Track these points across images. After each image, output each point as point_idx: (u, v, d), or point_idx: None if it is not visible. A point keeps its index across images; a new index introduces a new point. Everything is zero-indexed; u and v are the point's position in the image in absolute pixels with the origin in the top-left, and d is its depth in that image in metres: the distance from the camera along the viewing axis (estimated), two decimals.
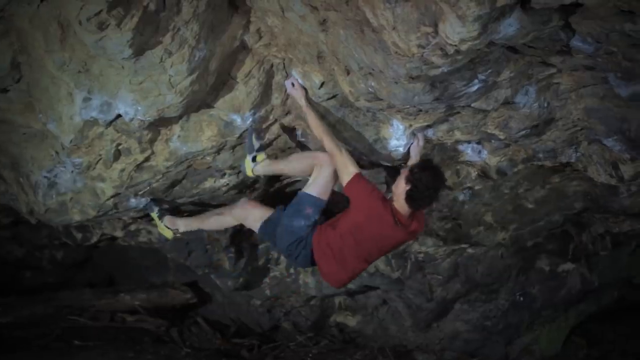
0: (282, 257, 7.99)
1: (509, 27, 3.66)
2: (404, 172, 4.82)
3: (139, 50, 4.32)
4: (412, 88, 4.35)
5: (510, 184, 6.65)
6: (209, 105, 5.14)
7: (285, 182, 6.40)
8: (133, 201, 5.87)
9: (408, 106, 4.77)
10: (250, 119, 5.22)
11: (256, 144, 5.32)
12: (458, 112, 5.15)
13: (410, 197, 4.73)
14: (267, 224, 5.37)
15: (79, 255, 8.99)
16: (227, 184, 5.88)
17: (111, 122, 4.97)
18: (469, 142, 5.76)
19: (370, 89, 4.63)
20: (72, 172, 5.53)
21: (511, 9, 3.52)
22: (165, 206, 6.09)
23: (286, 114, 5.49)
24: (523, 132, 5.25)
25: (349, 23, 4.10)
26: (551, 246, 8.21)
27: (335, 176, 5.08)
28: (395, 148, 5.45)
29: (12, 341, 7.29)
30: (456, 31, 3.53)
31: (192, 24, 4.34)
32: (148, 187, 5.71)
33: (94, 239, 7.67)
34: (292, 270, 8.16)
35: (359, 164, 5.16)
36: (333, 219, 5.13)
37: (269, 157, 5.44)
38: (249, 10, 4.75)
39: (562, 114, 5.15)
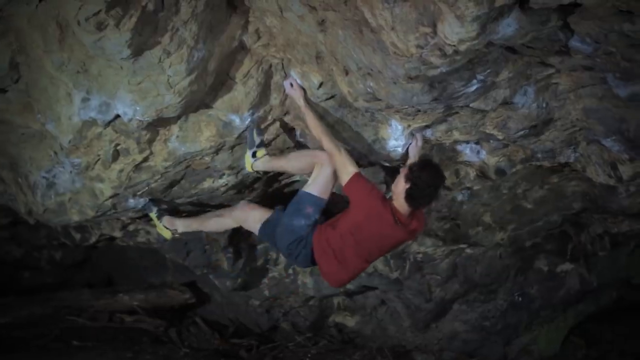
0: (280, 258, 7.99)
1: (508, 28, 3.66)
2: (404, 171, 4.81)
3: (138, 50, 4.32)
4: (411, 88, 4.35)
5: (509, 184, 6.65)
6: (208, 106, 5.13)
7: (283, 182, 6.40)
8: (132, 201, 5.87)
9: (406, 106, 4.77)
10: (249, 120, 5.21)
11: (257, 140, 5.30)
12: (457, 113, 5.15)
13: (410, 196, 4.73)
14: (266, 224, 5.38)
15: (77, 255, 8.99)
16: (226, 184, 5.88)
17: (110, 122, 4.97)
18: (467, 142, 5.76)
19: (368, 89, 4.63)
20: (70, 172, 5.53)
21: (510, 9, 3.52)
22: (164, 206, 6.09)
23: (285, 114, 5.49)
24: (522, 133, 5.25)
25: (347, 23, 4.10)
26: (550, 246, 8.22)
27: (336, 175, 5.08)
28: (393, 148, 5.45)
29: (11, 341, 7.30)
30: (455, 31, 3.53)
31: (191, 24, 4.34)
32: (147, 188, 5.71)
33: (93, 239, 7.67)
34: (290, 271, 8.16)
35: (358, 164, 5.15)
36: (333, 219, 5.12)
37: (269, 153, 5.43)
38: (247, 11, 4.75)
39: (560, 114, 5.15)
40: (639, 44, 3.69)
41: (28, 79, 4.95)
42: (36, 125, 5.27)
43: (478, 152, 5.94)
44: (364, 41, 4.09)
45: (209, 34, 4.53)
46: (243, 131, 5.28)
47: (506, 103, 4.93)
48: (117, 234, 7.40)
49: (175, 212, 6.28)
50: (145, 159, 5.40)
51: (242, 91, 5.06)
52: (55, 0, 4.32)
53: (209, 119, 5.19)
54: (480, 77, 4.43)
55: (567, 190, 6.80)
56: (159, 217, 5.99)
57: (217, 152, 5.45)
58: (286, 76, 5.16)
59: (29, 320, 7.86)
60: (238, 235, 7.33)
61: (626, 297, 9.70)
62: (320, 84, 5.01)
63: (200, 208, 6.41)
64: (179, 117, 5.11)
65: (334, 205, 5.47)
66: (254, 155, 5.35)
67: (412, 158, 5.38)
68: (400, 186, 4.78)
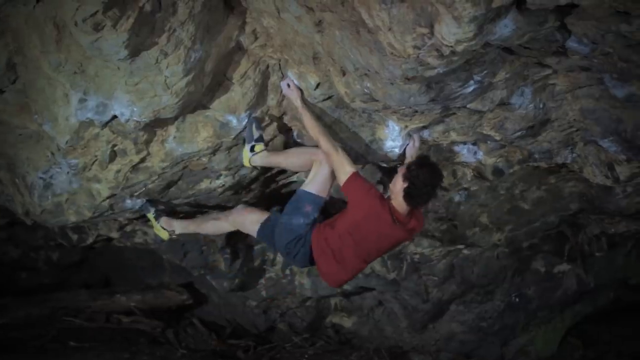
0: (277, 258, 8.00)
1: (505, 28, 3.66)
2: (401, 170, 4.80)
3: (135, 51, 4.32)
4: (408, 89, 4.35)
5: (506, 184, 6.66)
6: (205, 106, 5.13)
7: (281, 183, 6.40)
8: (129, 202, 5.87)
9: (404, 107, 4.77)
10: (246, 120, 5.21)
11: (256, 134, 5.27)
12: (454, 113, 5.15)
13: (408, 195, 4.72)
14: (265, 225, 5.36)
15: (74, 256, 8.97)
16: (223, 185, 5.87)
17: (107, 123, 4.96)
18: (464, 143, 5.77)
19: (366, 90, 4.63)
20: (67, 173, 5.53)
21: (507, 10, 3.52)
22: (161, 207, 6.08)
23: (282, 115, 5.49)
24: (519, 133, 5.25)
25: (344, 24, 4.09)
26: (547, 247, 8.23)
27: (334, 174, 5.07)
28: (391, 149, 5.45)
29: (8, 342, 7.29)
30: (452, 32, 3.53)
31: (188, 25, 4.34)
32: (144, 188, 5.70)
33: (90, 240, 7.66)
34: (287, 272, 8.16)
35: (355, 164, 5.15)
36: (331, 219, 5.11)
37: (267, 148, 5.41)
38: (244, 11, 4.75)
39: (557, 115, 5.15)
40: (636, 45, 3.69)
41: (25, 79, 4.94)
42: (33, 126, 5.26)
43: (475, 152, 5.94)
44: (361, 42, 4.09)
45: (206, 34, 4.53)
46: (240, 132, 5.28)
47: (503, 104, 4.93)
48: (115, 234, 7.40)
49: (173, 212, 6.28)
50: (143, 160, 5.40)
51: (239, 92, 5.06)
52: (53, 1, 4.32)
53: (206, 119, 5.19)
54: (477, 77, 4.43)
55: (565, 191, 6.81)
56: (157, 218, 5.98)
57: (214, 152, 5.45)
58: (283, 77, 5.16)
59: (26, 321, 7.86)
60: (235, 236, 7.32)
61: (623, 298, 9.70)
62: (318, 85, 5.01)
63: (197, 209, 6.41)
64: (176, 118, 5.11)
65: (332, 206, 5.47)
66: (252, 149, 5.32)
67: (410, 159, 5.37)
68: (398, 185, 4.77)
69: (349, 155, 5.02)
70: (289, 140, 5.69)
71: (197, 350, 8.20)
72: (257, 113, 5.26)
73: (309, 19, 4.32)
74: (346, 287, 7.83)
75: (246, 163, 5.46)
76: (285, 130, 5.62)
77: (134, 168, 5.45)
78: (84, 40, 4.24)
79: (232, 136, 5.30)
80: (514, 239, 7.53)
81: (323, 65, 4.80)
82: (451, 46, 3.65)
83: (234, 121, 5.19)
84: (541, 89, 4.88)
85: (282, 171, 6.09)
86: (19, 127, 5.38)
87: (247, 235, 6.19)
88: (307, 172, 5.35)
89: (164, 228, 5.99)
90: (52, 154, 5.41)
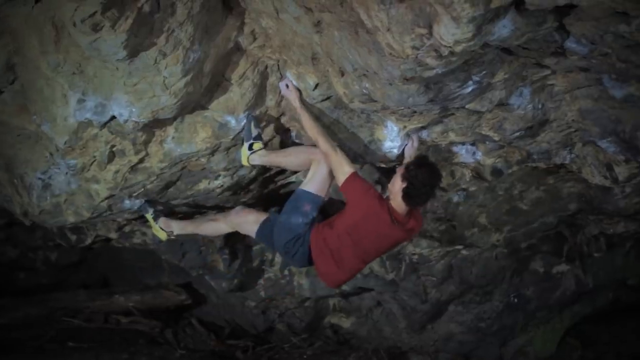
0: (276, 259, 7.99)
1: (504, 29, 3.66)
2: (400, 170, 4.80)
3: (134, 51, 4.32)
4: (407, 89, 4.35)
5: (505, 185, 6.66)
6: (204, 107, 5.13)
7: (279, 183, 6.40)
8: (127, 203, 5.86)
9: (402, 108, 4.77)
10: (245, 121, 5.21)
11: (254, 132, 5.26)
12: (452, 114, 5.15)
13: (407, 195, 4.72)
14: (263, 226, 5.36)
15: (73, 256, 8.97)
16: (222, 186, 5.87)
17: (105, 123, 4.95)
18: (463, 143, 5.77)
19: (364, 91, 4.63)
20: (66, 173, 5.53)
21: (505, 11, 3.52)
22: (160, 208, 6.07)
23: (280, 116, 5.48)
24: (517, 134, 5.25)
25: (343, 24, 4.09)
26: (545, 247, 8.23)
27: (333, 174, 5.07)
28: (389, 149, 5.45)
29: (6, 343, 7.29)
30: (450, 32, 3.53)
31: (187, 26, 4.34)
32: (142, 189, 5.70)
33: (89, 241, 7.65)
34: (286, 272, 8.16)
35: (354, 164, 5.15)
36: (330, 218, 5.10)
37: (266, 147, 5.40)
38: (243, 12, 4.75)
39: (556, 116, 5.15)
40: (635, 45, 3.69)
41: (24, 80, 4.94)
42: (32, 127, 5.26)
43: (474, 153, 5.94)
44: (360, 42, 4.09)
45: (204, 35, 4.53)
46: (239, 132, 5.28)
47: (502, 104, 4.93)
48: (113, 235, 7.39)
49: (171, 213, 6.27)
50: (141, 160, 5.39)
51: (238, 92, 5.05)
52: (51, 1, 4.32)
53: (204, 120, 5.19)
54: (476, 78, 4.43)
55: (563, 192, 6.81)
56: (155, 219, 5.97)
57: (212, 153, 5.45)
58: (282, 77, 5.16)
59: (24, 321, 7.86)
60: (234, 236, 7.30)
61: (622, 298, 9.70)
62: (316, 85, 5.01)
63: (196, 209, 6.41)
64: (174, 119, 5.11)
65: (330, 207, 5.46)
66: (250, 147, 5.30)
67: (408, 159, 5.37)
68: (397, 185, 4.77)
69: (348, 156, 5.02)
70: (287, 140, 5.68)
71: (196, 350, 8.20)
72: (256, 113, 5.25)
73: (307, 19, 4.32)
74: (345, 287, 7.82)
75: (244, 162, 5.44)
76: (283, 130, 5.61)
77: (133, 168, 5.44)
78: (82, 41, 4.23)
79: (231, 137, 5.29)
80: (512, 240, 7.53)
81: (322, 66, 4.80)
82: (450, 47, 3.65)
83: (233, 122, 5.19)
84: (540, 89, 4.88)
85: (281, 171, 6.09)
86: (17, 128, 5.37)
87: (245, 236, 6.19)
88: (306, 172, 5.34)
89: (162, 229, 5.98)
90: (51, 154, 5.40)
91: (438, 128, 5.36)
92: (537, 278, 8.49)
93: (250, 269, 7.97)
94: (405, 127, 5.24)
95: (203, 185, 5.84)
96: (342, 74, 4.70)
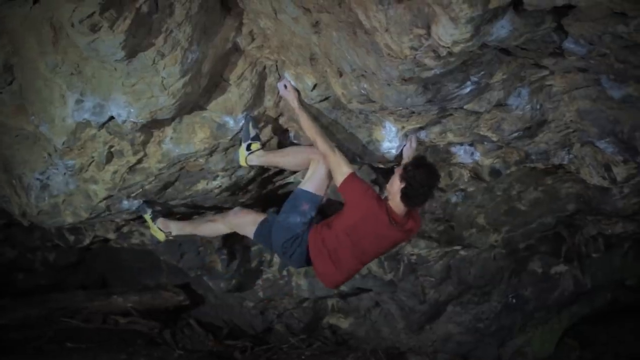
0: (275, 260, 8.00)
1: (502, 29, 3.66)
2: (398, 171, 4.79)
3: (132, 52, 4.31)
4: (405, 90, 4.35)
5: (503, 185, 6.66)
6: (202, 107, 5.13)
7: (277, 184, 6.39)
8: (126, 203, 5.86)
9: (400, 108, 4.77)
10: (243, 121, 5.21)
11: (252, 132, 5.25)
12: (451, 114, 5.15)
13: (405, 195, 4.71)
14: (261, 226, 5.36)
15: (71, 257, 8.98)
16: (220, 186, 5.87)
17: (104, 124, 4.95)
18: (461, 144, 5.77)
19: (362, 91, 4.63)
20: (64, 174, 5.52)
21: (504, 11, 3.52)
22: (158, 208, 6.07)
23: (279, 116, 5.48)
24: (515, 134, 5.25)
25: (341, 25, 4.09)
26: (544, 248, 8.23)
27: (331, 174, 5.07)
28: (387, 150, 5.45)
29: (5, 343, 7.29)
30: (449, 33, 3.53)
31: (185, 26, 4.33)
32: (141, 189, 5.70)
33: (87, 241, 7.64)
34: (285, 273, 8.16)
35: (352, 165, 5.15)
36: (329, 219, 5.10)
37: (264, 147, 5.39)
38: (241, 12, 4.75)
39: (554, 116, 5.15)
40: (633, 46, 3.69)
41: (22, 80, 4.94)
42: (30, 127, 5.25)
43: (472, 153, 5.95)
44: (358, 43, 4.09)
45: (202, 35, 4.53)
46: (237, 133, 5.28)
47: (500, 105, 4.93)
48: (111, 235, 7.39)
49: (170, 214, 6.27)
50: (139, 161, 5.39)
51: (236, 93, 5.05)
52: (50, 2, 4.32)
53: (203, 120, 5.19)
54: (474, 78, 4.43)
55: (561, 192, 6.81)
56: (153, 219, 5.97)
57: (211, 153, 5.45)
58: (280, 78, 5.16)
59: (23, 322, 7.85)
60: (232, 237, 7.29)
61: (620, 299, 9.70)
62: (314, 86, 5.01)
63: (194, 210, 6.41)
64: (173, 119, 5.10)
65: (328, 207, 5.47)
66: (248, 148, 5.29)
67: (406, 160, 5.36)
68: (395, 186, 4.76)
69: (346, 156, 5.02)
70: (285, 141, 5.68)
71: (194, 350, 8.20)
72: (254, 114, 5.25)
73: (305, 20, 4.32)
74: (343, 288, 7.82)
75: (243, 162, 5.43)
76: (282, 131, 5.61)
77: (131, 169, 5.44)
78: (80, 42, 4.23)
79: (229, 137, 5.29)
80: (510, 240, 7.53)
81: (320, 67, 4.80)
82: (448, 47, 3.65)
83: (231, 122, 5.19)
84: (538, 90, 4.88)
85: (279, 172, 6.09)
86: (15, 128, 5.37)
87: (243, 236, 6.18)
88: (304, 172, 5.34)
89: (160, 229, 5.98)
90: (49, 155, 5.40)
91: (436, 128, 5.36)
92: (536, 278, 8.50)
93: (249, 270, 7.97)
94: (403, 127, 5.24)
95: (201, 185, 5.84)
96: (341, 75, 4.69)
